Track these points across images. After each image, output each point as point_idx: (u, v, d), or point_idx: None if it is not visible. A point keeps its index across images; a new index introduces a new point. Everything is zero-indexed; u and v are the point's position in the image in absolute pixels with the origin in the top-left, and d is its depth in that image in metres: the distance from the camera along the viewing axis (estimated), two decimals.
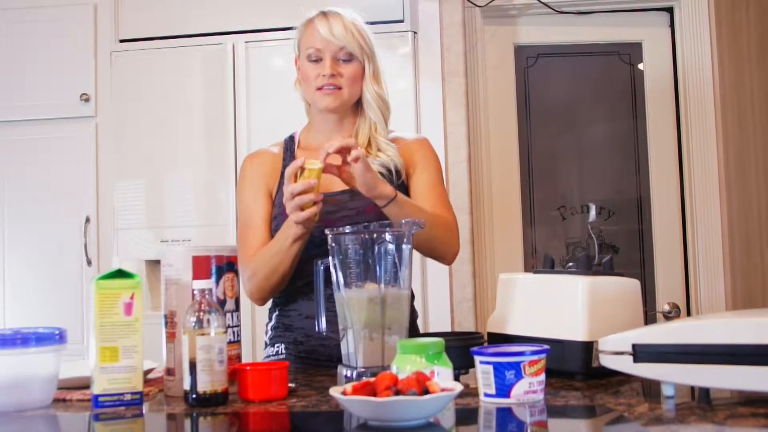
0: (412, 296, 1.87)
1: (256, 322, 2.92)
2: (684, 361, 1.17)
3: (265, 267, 1.73)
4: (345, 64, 1.80)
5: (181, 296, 1.42)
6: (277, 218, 1.81)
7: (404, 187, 1.83)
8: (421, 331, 2.38)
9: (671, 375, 1.19)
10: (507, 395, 1.21)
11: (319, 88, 1.80)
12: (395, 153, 1.82)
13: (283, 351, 1.81)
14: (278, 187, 1.84)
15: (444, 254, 1.84)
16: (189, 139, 3.18)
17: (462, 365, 1.40)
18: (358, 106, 1.86)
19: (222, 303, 1.44)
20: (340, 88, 1.80)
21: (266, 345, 1.87)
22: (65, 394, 1.42)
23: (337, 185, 1.79)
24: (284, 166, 1.84)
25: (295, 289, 1.81)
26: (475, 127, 3.27)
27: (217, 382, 1.30)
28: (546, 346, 1.26)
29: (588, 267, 1.49)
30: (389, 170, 1.80)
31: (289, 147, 1.90)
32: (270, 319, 1.89)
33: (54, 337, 1.37)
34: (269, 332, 1.87)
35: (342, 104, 1.82)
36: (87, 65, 3.30)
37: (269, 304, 1.90)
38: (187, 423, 1.23)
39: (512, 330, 1.51)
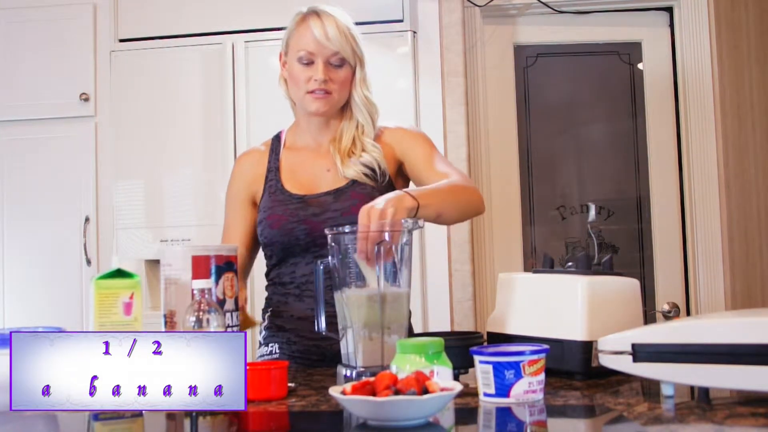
0: None
1: None
2: (683, 360, 1.17)
3: None
4: (336, 69, 1.78)
5: (181, 296, 1.42)
6: (262, 223, 1.81)
7: (391, 187, 1.80)
8: (421, 330, 2.39)
9: (671, 374, 1.19)
10: (506, 395, 1.21)
11: (310, 92, 1.78)
12: (380, 155, 1.81)
13: (277, 351, 1.81)
14: (263, 189, 1.85)
15: (476, 212, 1.80)
16: (188, 138, 3.17)
17: (461, 365, 1.40)
18: (344, 107, 1.85)
19: (221, 303, 1.44)
20: (330, 93, 1.78)
21: (260, 344, 1.88)
22: None
23: (323, 186, 1.80)
24: (268, 170, 1.86)
25: (286, 291, 1.81)
26: (475, 126, 3.27)
27: None
28: (545, 346, 1.26)
29: (587, 267, 1.49)
30: (373, 169, 1.79)
31: (275, 148, 1.90)
32: (263, 319, 1.89)
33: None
34: (263, 332, 1.88)
35: (331, 108, 1.81)
36: (86, 65, 3.30)
37: (262, 304, 1.90)
38: (187, 423, 1.23)
39: (512, 330, 1.51)
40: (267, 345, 1.84)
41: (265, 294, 1.89)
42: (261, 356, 1.84)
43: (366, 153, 1.80)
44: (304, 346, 1.78)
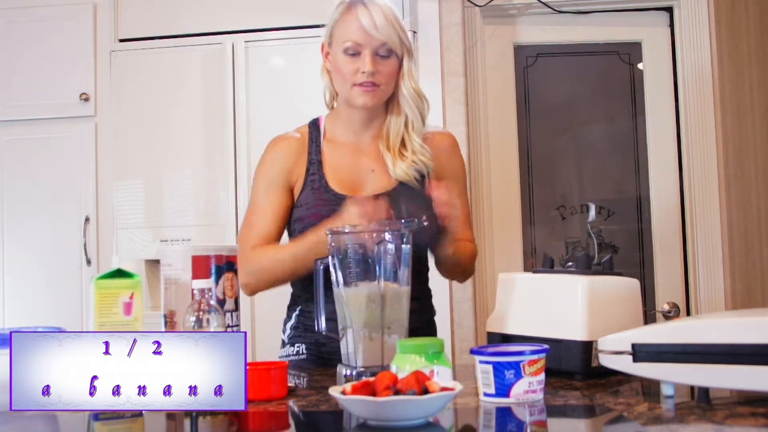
0: (430, 294, 1.87)
1: (256, 322, 2.92)
2: (683, 360, 1.17)
3: (275, 271, 1.70)
4: (383, 61, 1.71)
5: (181, 296, 1.42)
6: (305, 220, 1.73)
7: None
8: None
9: (671, 374, 1.19)
10: (506, 395, 1.21)
11: (357, 85, 1.71)
12: (429, 159, 1.75)
13: (304, 351, 1.76)
14: (304, 181, 1.77)
15: (465, 278, 1.89)
16: (188, 138, 3.17)
17: None
18: (389, 102, 1.78)
19: (221, 303, 1.44)
20: (378, 86, 1.71)
21: (284, 344, 1.81)
22: None
23: (367, 188, 1.74)
24: (309, 161, 1.78)
25: None
26: (475, 126, 3.27)
27: None
28: (545, 346, 1.26)
29: (587, 266, 1.49)
30: (422, 174, 1.75)
31: (315, 137, 1.81)
32: (289, 317, 1.83)
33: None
34: (288, 331, 1.82)
35: (378, 101, 1.74)
36: (86, 65, 3.30)
37: (288, 301, 1.85)
38: (187, 423, 1.23)
39: (512, 329, 1.51)
40: (293, 345, 1.79)
41: (290, 291, 1.84)
42: (286, 356, 1.78)
43: (416, 155, 1.74)
44: (334, 348, 1.74)
